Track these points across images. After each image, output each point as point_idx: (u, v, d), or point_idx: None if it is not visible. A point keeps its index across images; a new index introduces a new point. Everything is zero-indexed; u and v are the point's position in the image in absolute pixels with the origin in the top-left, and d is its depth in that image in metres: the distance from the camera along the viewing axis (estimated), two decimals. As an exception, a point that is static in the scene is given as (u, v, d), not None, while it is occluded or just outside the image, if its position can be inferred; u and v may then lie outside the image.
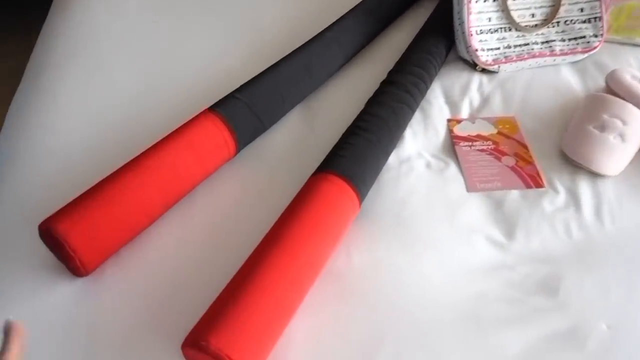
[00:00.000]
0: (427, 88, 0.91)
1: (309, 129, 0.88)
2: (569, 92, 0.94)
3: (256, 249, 0.63)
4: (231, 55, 1.00)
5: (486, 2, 0.96)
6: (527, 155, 0.83)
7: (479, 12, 0.96)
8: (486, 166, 0.82)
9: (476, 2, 0.95)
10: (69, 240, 0.61)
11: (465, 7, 0.95)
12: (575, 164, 0.80)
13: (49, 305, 0.63)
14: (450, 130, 0.88)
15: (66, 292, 0.64)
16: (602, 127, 0.80)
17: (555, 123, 0.88)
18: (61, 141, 0.82)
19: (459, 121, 0.89)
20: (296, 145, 0.85)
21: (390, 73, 0.90)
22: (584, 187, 0.79)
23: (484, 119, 0.89)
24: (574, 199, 0.78)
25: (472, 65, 0.98)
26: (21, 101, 0.89)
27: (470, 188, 0.79)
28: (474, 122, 0.89)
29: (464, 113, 0.91)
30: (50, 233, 0.61)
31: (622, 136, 0.80)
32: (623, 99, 0.86)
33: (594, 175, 0.80)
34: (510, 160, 0.83)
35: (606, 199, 0.77)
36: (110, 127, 0.85)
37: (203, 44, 1.02)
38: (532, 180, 0.80)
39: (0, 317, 0.60)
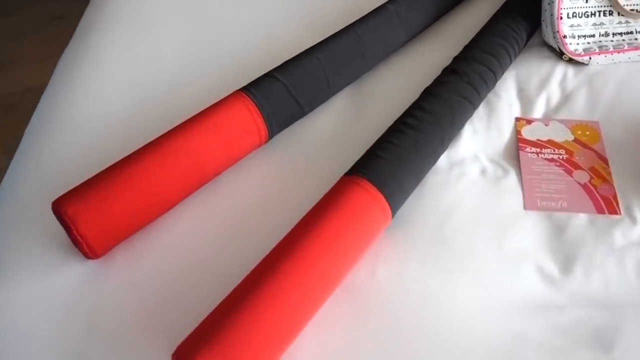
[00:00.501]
0: (496, 79, 0.79)
1: (355, 116, 0.80)
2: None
3: (267, 256, 0.58)
4: (285, 28, 0.92)
5: (584, -20, 0.81)
6: (605, 172, 0.71)
7: (574, -9, 0.81)
8: (552, 180, 0.70)
9: (572, -22, 0.80)
10: (78, 224, 0.58)
11: (558, -17, 0.80)
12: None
13: (57, 285, 0.61)
14: (517, 132, 0.76)
15: (75, 273, 0.62)
16: None
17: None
18: (99, 110, 0.80)
19: (529, 121, 0.77)
20: (338, 134, 0.77)
21: (455, 59, 0.79)
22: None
23: (560, 121, 0.77)
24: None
25: (558, 54, 0.84)
26: (67, 62, 0.87)
27: (528, 205, 0.68)
28: (547, 125, 0.76)
29: (538, 112, 0.78)
30: (60, 214, 0.59)
31: None
32: None
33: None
34: (583, 176, 0.71)
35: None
36: (150, 99, 0.82)
37: (256, 13, 0.95)
38: (606, 204, 0.67)
39: (8, 293, 0.62)
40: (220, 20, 0.94)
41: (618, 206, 0.67)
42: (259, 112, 0.69)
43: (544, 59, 0.84)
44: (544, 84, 0.81)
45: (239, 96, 0.70)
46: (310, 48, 0.78)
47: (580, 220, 0.66)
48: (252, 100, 0.69)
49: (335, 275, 0.58)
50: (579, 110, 0.78)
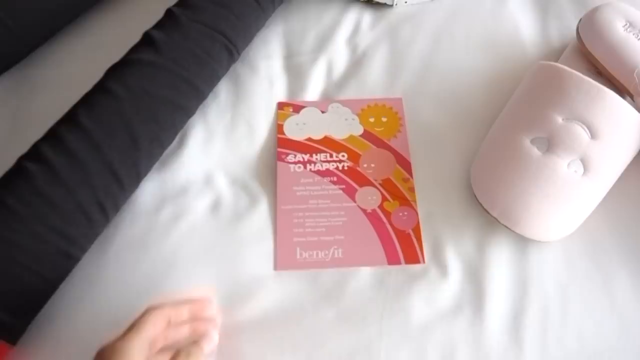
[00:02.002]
0: (236, 47, 0.48)
1: (11, 125, 0.48)
2: (513, 52, 0.52)
3: None
4: None
5: None
6: (405, 186, 0.44)
7: None
8: (324, 209, 0.43)
9: None
10: None
11: None
12: (489, 214, 0.42)
13: None
14: (277, 127, 0.47)
15: None
16: (550, 142, 0.41)
17: (478, 117, 0.48)
18: None
19: (297, 107, 0.48)
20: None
21: (160, 23, 0.47)
22: (498, 266, 0.41)
23: (345, 102, 0.49)
24: (476, 288, 0.40)
25: (351, -9, 0.55)
26: None
27: (280, 262, 0.41)
28: (324, 111, 0.48)
29: (314, 90, 0.50)
30: None
31: (584, 162, 0.40)
32: (600, 74, 0.46)
33: (522, 240, 0.41)
34: (371, 198, 0.44)
35: (541, 294, 0.40)
36: None
37: None
38: (404, 245, 0.41)
39: None
40: None
41: (421, 247, 0.42)
42: None
43: (328, 4, 0.55)
44: (325, 42, 0.52)
45: None
46: None
47: (362, 278, 0.40)
48: None
49: None
50: (374, 82, 0.50)
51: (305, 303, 0.40)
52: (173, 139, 0.45)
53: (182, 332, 0.36)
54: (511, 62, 0.51)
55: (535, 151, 0.41)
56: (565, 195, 0.40)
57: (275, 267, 0.41)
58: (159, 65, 0.42)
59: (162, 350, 0.34)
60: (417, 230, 0.42)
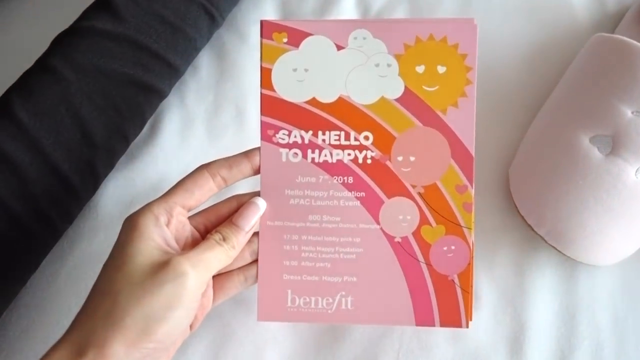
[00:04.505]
0: (219, 10, 0.38)
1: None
2: (560, 17, 0.42)
3: None
4: None
5: None
6: (458, 201, 0.30)
7: None
8: (329, 233, 0.30)
9: None
10: None
11: None
12: (534, 231, 0.33)
13: None
14: (261, 72, 0.30)
15: None
16: (616, 142, 0.32)
17: (517, 103, 0.39)
18: None
19: (296, 35, 0.30)
20: None
21: None
22: (540, 293, 0.33)
23: (380, 29, 0.30)
24: (513, 321, 0.32)
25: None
26: None
27: (263, 311, 0.30)
28: (343, 45, 0.30)
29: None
30: None
31: (658, 168, 0.32)
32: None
33: (570, 262, 0.33)
34: (403, 217, 0.30)
35: (593, 329, 0.32)
36: None
37: None
38: (442, 298, 0.30)
39: None
40: None
41: (467, 304, 0.30)
42: None
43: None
44: None
45: None
46: None
47: (358, 328, 0.32)
48: None
49: None
50: None
51: None
52: (141, 128, 0.36)
53: (244, 170, 0.28)
54: (558, 30, 0.41)
55: (595, 153, 0.32)
56: (633, 210, 0.31)
57: (258, 317, 0.30)
58: (117, 35, 0.33)
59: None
60: (465, 276, 0.29)
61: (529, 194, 0.33)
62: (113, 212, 0.35)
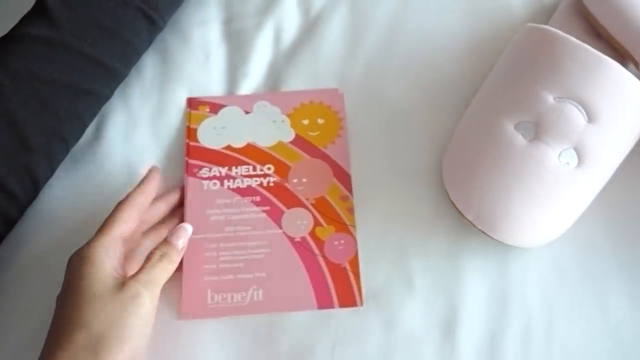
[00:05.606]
0: (159, 13, 0.39)
1: None
2: (498, 11, 0.43)
3: None
4: None
5: None
6: (342, 206, 0.37)
7: None
8: (241, 240, 0.36)
9: None
10: None
11: None
12: (463, 216, 0.35)
13: None
14: (187, 132, 0.39)
15: None
16: (539, 127, 0.33)
17: (454, 93, 0.40)
18: None
19: (214, 107, 0.40)
20: None
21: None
22: (472, 277, 0.34)
23: (274, 99, 0.40)
24: (445, 305, 0.33)
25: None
26: None
27: (185, 309, 0.34)
28: (249, 111, 0.40)
29: (258, 62, 0.42)
30: None
31: (579, 151, 0.33)
32: (599, 37, 0.38)
33: (501, 246, 0.34)
34: (300, 222, 0.36)
35: (523, 311, 0.33)
36: None
37: None
38: (338, 283, 0.34)
39: None
40: None
41: (358, 285, 0.34)
42: None
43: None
44: (272, 1, 0.44)
45: None
46: None
47: (293, 322, 0.34)
48: None
49: None
50: (330, 50, 0.42)
51: None
52: (82, 131, 0.37)
53: (161, 210, 0.35)
54: (496, 23, 0.42)
55: (519, 139, 0.33)
56: (556, 192, 0.33)
57: (179, 316, 0.33)
58: (52, 40, 0.34)
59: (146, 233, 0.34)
60: (353, 263, 0.35)
61: (458, 181, 0.35)
62: (58, 216, 0.36)
